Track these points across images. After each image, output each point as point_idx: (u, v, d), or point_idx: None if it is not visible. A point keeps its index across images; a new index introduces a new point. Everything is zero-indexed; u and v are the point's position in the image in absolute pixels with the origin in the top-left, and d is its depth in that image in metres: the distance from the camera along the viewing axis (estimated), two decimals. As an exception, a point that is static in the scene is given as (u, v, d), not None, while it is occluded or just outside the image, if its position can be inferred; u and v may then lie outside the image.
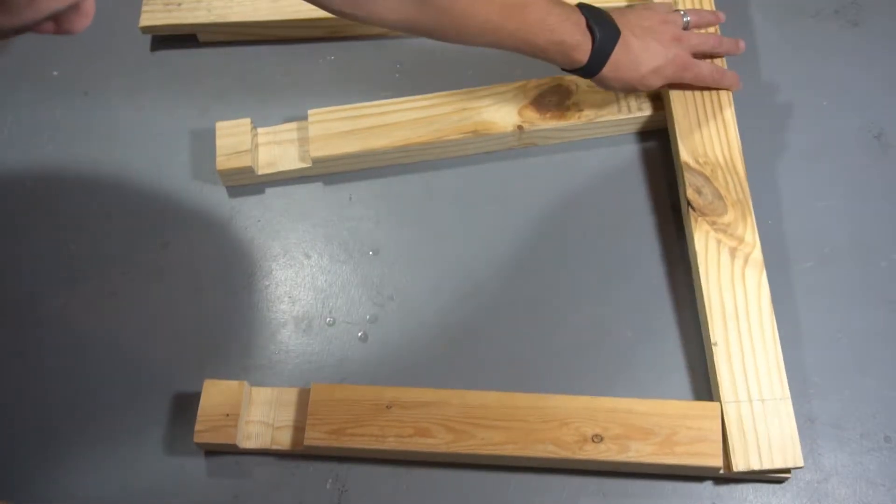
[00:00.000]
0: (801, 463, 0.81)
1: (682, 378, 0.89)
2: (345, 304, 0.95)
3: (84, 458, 0.88)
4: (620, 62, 0.89)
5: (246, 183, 0.99)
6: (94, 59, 1.07)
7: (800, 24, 1.04)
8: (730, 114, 0.94)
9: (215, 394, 0.86)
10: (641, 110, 0.97)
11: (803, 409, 0.87)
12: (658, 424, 0.83)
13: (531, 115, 0.97)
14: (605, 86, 0.92)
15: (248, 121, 0.98)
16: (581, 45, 0.87)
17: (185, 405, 0.89)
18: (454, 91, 0.99)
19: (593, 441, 0.83)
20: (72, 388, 0.92)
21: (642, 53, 0.89)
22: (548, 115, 0.97)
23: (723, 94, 0.95)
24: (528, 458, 0.83)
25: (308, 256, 0.97)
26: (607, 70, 0.89)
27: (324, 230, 0.98)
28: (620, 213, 0.96)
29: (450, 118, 0.97)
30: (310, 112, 0.98)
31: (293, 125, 1.00)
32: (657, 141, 0.99)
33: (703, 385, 0.88)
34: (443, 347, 0.92)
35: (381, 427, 0.84)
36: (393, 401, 0.85)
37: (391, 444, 0.84)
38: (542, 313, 0.93)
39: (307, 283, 0.96)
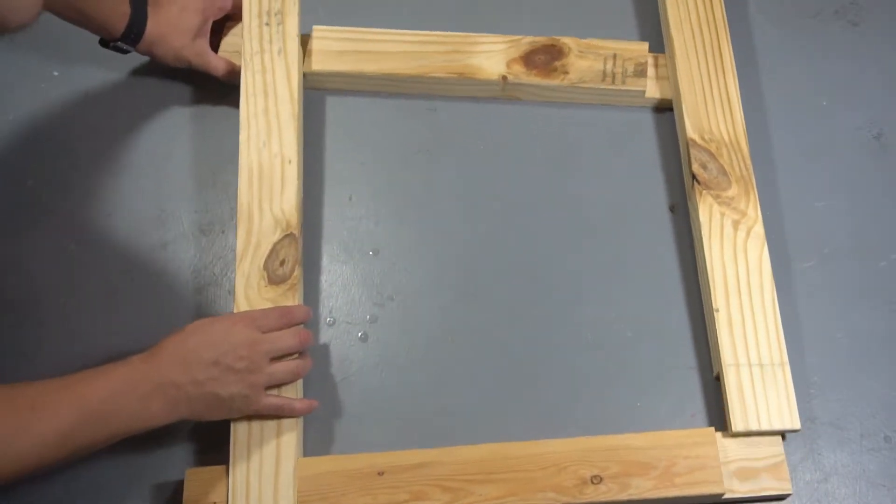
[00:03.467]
0: (797, 426, 0.83)
1: (683, 377, 0.89)
2: (345, 304, 0.95)
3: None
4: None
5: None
6: (95, 59, 1.07)
7: (800, 24, 1.04)
8: (735, 93, 0.96)
9: (198, 484, 0.83)
10: (625, 84, 0.99)
11: (803, 409, 0.87)
12: (655, 457, 0.82)
13: (518, 68, 1.00)
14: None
15: None
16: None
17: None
18: (451, 33, 1.02)
19: (593, 483, 0.81)
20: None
21: None
22: (534, 72, 1.00)
23: (728, 73, 0.96)
24: None
25: (308, 256, 0.97)
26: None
27: (324, 230, 0.98)
28: (619, 210, 0.96)
29: (440, 57, 1.01)
30: (314, 28, 1.02)
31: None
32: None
33: (707, 383, 0.89)
34: (443, 347, 0.92)
35: (375, 496, 0.82)
36: (384, 466, 0.83)
37: None
38: (542, 312, 0.93)
39: (307, 284, 0.95)
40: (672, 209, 0.96)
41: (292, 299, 0.88)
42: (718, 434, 0.83)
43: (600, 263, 0.94)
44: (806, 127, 0.99)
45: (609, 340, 0.91)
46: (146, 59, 1.05)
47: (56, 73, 1.07)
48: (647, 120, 1.01)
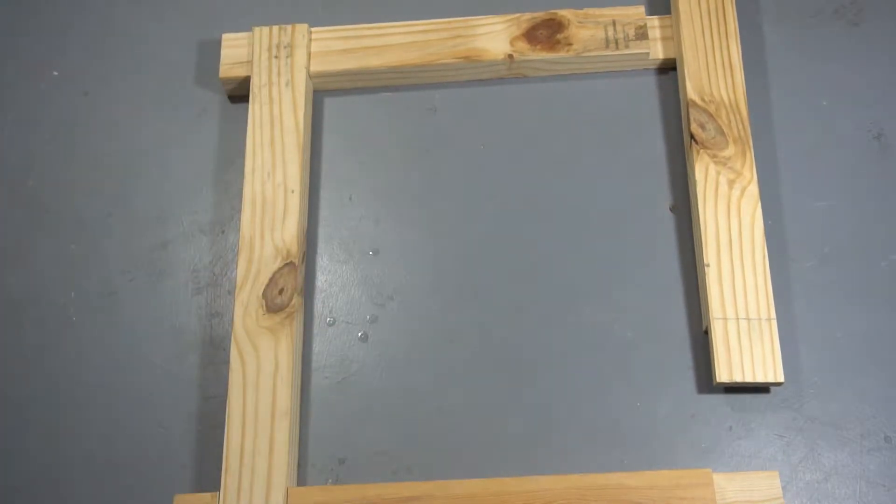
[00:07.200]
0: (781, 379, 0.85)
1: (682, 377, 0.89)
2: (345, 304, 0.95)
3: (88, 459, 0.89)
4: None
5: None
6: (95, 59, 1.07)
7: (800, 24, 1.04)
8: (737, 57, 0.98)
9: None
10: (629, 48, 1.00)
11: (803, 409, 0.87)
12: (650, 498, 0.81)
13: (522, 45, 1.01)
14: None
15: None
16: None
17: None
18: (450, 19, 1.03)
19: None
20: (72, 388, 0.92)
21: None
22: (538, 47, 1.01)
23: (731, 38, 0.98)
24: None
25: (308, 256, 0.97)
26: None
27: (324, 230, 0.98)
28: (620, 211, 0.96)
29: (444, 43, 1.02)
30: (312, 30, 1.02)
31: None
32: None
33: (706, 380, 0.88)
34: (443, 347, 0.92)
35: None
36: (375, 499, 0.82)
37: None
38: (542, 312, 0.93)
39: (307, 283, 0.96)
40: (672, 209, 0.96)
41: (290, 327, 0.89)
42: (715, 475, 0.82)
43: (600, 264, 0.94)
44: (806, 127, 0.99)
45: (609, 341, 0.91)
46: (145, 58, 1.05)
47: (56, 73, 1.07)
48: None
